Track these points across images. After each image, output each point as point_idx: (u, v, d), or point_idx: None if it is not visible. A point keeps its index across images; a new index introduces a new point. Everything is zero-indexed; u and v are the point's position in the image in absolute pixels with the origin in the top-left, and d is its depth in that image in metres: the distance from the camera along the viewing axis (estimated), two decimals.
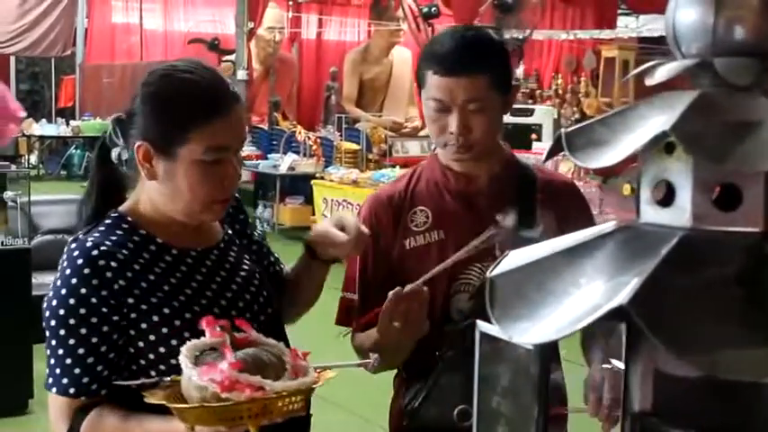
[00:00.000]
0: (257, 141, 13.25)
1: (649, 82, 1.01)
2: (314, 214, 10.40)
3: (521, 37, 14.35)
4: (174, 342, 1.76)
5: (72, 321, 1.75)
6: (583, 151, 0.91)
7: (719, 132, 0.88)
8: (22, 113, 6.32)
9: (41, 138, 17.32)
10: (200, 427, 1.59)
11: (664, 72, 0.96)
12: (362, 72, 16.00)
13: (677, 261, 0.87)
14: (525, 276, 0.94)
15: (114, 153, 1.89)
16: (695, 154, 0.86)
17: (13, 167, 7.29)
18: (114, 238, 1.82)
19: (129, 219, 1.86)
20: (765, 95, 0.92)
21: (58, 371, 1.77)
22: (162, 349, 1.79)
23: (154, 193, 1.86)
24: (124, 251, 1.80)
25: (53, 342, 1.78)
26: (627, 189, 7.50)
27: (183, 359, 1.60)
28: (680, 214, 0.93)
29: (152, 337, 1.79)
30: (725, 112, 0.91)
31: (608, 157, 0.88)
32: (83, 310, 1.75)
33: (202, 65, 1.90)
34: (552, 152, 0.98)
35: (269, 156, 12.23)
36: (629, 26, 14.01)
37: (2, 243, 5.58)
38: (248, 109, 14.55)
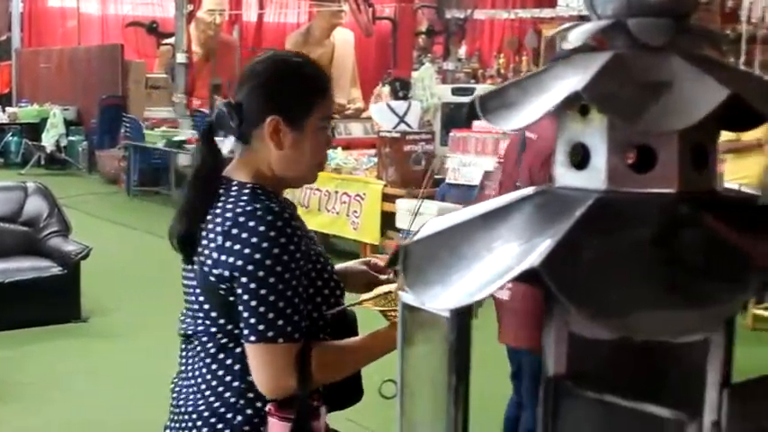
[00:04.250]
0: (197, 125, 13.10)
1: (565, 45, 1.00)
2: None
3: (462, 17, 14.38)
4: (318, 299, 2.08)
5: (287, 275, 1.95)
6: (495, 113, 0.89)
7: (632, 92, 0.87)
8: None
9: None
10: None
11: (577, 34, 0.95)
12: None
13: (591, 223, 0.86)
14: (440, 242, 0.92)
15: (223, 133, 2.12)
16: (607, 114, 0.85)
17: None
18: (269, 203, 2.04)
19: (262, 187, 2.07)
20: (679, 55, 0.91)
21: (280, 322, 1.96)
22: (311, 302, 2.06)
23: (276, 163, 2.09)
24: (288, 212, 2.05)
25: (270, 298, 1.95)
26: None
27: None
28: (595, 177, 0.92)
29: (311, 290, 2.05)
30: (638, 73, 0.90)
31: (519, 118, 0.87)
32: (292, 264, 1.96)
33: (291, 51, 2.33)
34: (469, 117, 0.97)
35: None
36: (570, 5, 14.09)
37: None
38: (189, 92, 14.39)
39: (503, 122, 0.88)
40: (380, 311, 2.15)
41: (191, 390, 2.13)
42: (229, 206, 2.02)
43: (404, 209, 7.54)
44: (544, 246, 0.82)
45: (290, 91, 2.10)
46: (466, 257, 0.86)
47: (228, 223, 2.00)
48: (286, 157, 2.08)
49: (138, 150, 13.34)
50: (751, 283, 0.77)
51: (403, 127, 8.71)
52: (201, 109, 13.97)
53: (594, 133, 0.92)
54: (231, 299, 2.01)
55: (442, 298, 0.83)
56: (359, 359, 2.14)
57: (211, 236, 2.03)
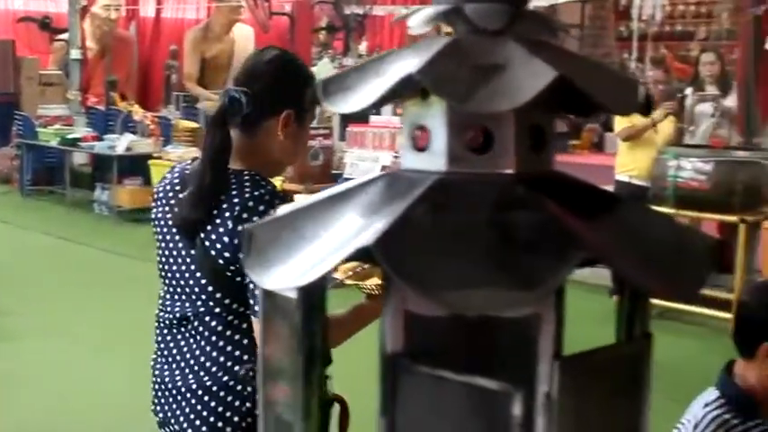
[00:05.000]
0: (93, 122, 12.86)
1: (410, 31, 1.02)
2: (153, 195, 10.18)
3: (361, 13, 14.42)
4: None
5: None
6: (334, 97, 0.91)
7: (466, 75, 0.89)
8: None
9: None
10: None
11: (417, 20, 0.97)
12: (204, 50, 15.70)
13: (429, 203, 0.88)
14: (284, 224, 0.93)
15: (235, 119, 2.29)
16: (439, 95, 0.87)
17: None
18: (272, 188, 2.26)
19: (260, 174, 2.29)
20: (515, 40, 0.94)
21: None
22: None
23: (278, 151, 2.35)
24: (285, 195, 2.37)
25: None
26: None
27: None
28: (436, 158, 0.94)
29: None
30: (474, 56, 0.92)
31: (355, 101, 0.88)
32: None
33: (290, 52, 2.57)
34: (313, 101, 0.98)
35: (105, 137, 11.89)
36: None
37: None
38: (84, 89, 14.10)
39: (340, 105, 0.89)
40: (356, 286, 2.34)
41: (190, 368, 2.27)
42: (235, 192, 2.22)
43: None
44: (379, 224, 0.83)
45: (301, 89, 2.24)
46: (305, 237, 0.87)
47: (238, 208, 2.19)
48: (287, 147, 2.35)
49: (31, 149, 13.02)
50: (573, 260, 0.80)
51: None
52: (97, 106, 13.71)
53: (434, 116, 0.94)
54: (238, 279, 2.15)
55: (279, 277, 0.84)
56: (345, 331, 2.32)
57: (219, 221, 2.20)
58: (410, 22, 0.97)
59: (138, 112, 11.84)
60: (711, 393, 2.57)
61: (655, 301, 4.29)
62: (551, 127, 0.99)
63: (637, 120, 7.43)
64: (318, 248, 0.84)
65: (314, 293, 0.93)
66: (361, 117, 7.85)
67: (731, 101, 8.18)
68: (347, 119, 9.14)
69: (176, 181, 2.42)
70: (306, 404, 0.98)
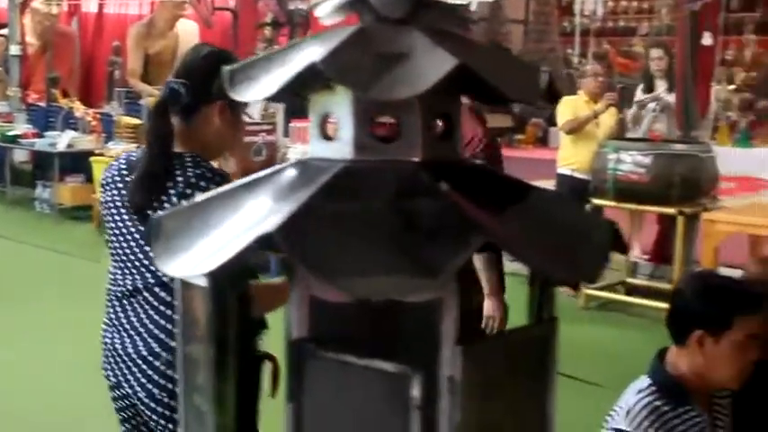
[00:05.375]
0: (34, 119, 12.66)
1: (321, 22, 1.02)
2: (95, 192, 10.05)
3: (305, 8, 14.37)
4: None
5: None
6: (239, 86, 0.91)
7: (369, 63, 0.90)
8: None
9: None
10: None
11: (324, 9, 0.97)
12: (147, 46, 15.50)
13: (333, 191, 0.89)
14: (192, 212, 0.94)
15: (176, 108, 2.49)
16: (342, 83, 0.88)
17: None
18: (212, 167, 2.50)
19: (200, 156, 2.50)
20: (419, 29, 0.95)
21: None
22: None
23: (215, 136, 2.56)
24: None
25: None
26: None
27: None
28: (342, 147, 0.95)
29: None
30: (378, 45, 0.93)
31: (258, 90, 0.89)
32: None
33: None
34: (219, 90, 0.98)
35: (46, 134, 11.71)
36: None
37: None
38: (24, 86, 13.88)
39: (244, 94, 0.90)
40: None
41: (140, 336, 2.47)
42: (178, 172, 2.43)
43: None
44: (282, 212, 0.84)
45: None
46: (210, 225, 0.88)
47: (181, 186, 2.39)
48: (224, 132, 2.57)
49: None
50: (473, 246, 0.81)
51: (244, 118, 8.63)
52: (38, 103, 13.50)
53: (341, 105, 0.95)
54: None
55: (181, 264, 0.84)
56: (280, 297, 2.53)
57: (165, 199, 2.39)
58: (318, 11, 0.97)
59: (79, 109, 11.66)
60: (644, 381, 2.60)
61: (599, 293, 4.32)
62: (459, 116, 1.00)
63: (579, 112, 7.50)
64: (221, 236, 0.85)
65: (225, 282, 0.94)
66: (304, 112, 7.80)
67: (670, 96, 8.32)
68: (291, 114, 9.12)
69: (123, 166, 2.62)
70: (218, 393, 0.98)
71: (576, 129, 7.53)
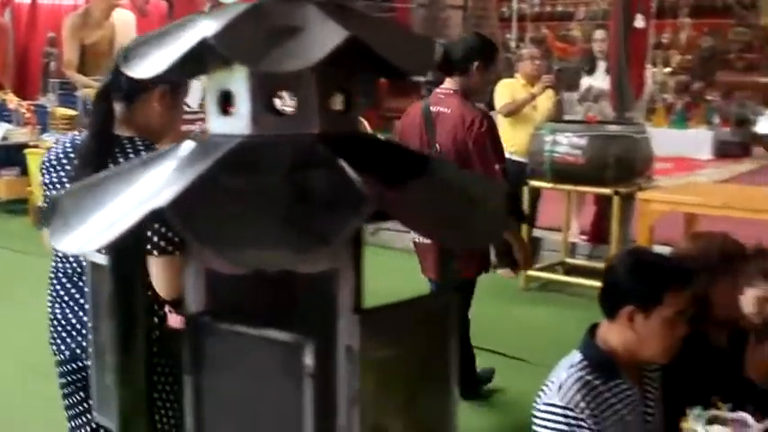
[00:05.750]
0: None
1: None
2: (30, 185, 9.89)
3: None
4: None
5: None
6: (132, 63, 0.91)
7: (261, 38, 0.90)
8: None
9: None
10: None
11: None
12: (83, 37, 15.24)
13: (228, 165, 0.89)
14: (89, 190, 0.93)
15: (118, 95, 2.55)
16: (232, 58, 0.88)
17: None
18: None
19: (145, 139, 2.58)
20: (314, 4, 0.95)
21: (176, 239, 2.28)
22: None
23: (157, 120, 2.65)
24: None
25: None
26: None
27: None
28: (240, 122, 0.95)
29: None
30: (273, 20, 0.93)
31: (149, 66, 0.89)
32: None
33: None
34: (116, 70, 0.97)
35: None
36: None
37: None
38: None
39: (136, 71, 0.90)
40: None
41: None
42: (119, 153, 2.50)
43: None
44: (174, 187, 0.84)
45: None
46: (104, 202, 0.88)
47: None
48: (164, 116, 2.67)
49: None
50: (362, 215, 0.82)
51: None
52: None
53: (238, 81, 0.95)
54: None
55: (73, 240, 0.84)
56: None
57: None
58: None
59: (12, 101, 11.46)
60: (575, 356, 2.64)
61: (538, 273, 4.36)
62: (357, 89, 1.01)
63: (517, 95, 7.56)
64: (115, 211, 0.85)
65: (124, 257, 0.94)
66: None
67: (601, 79, 8.46)
68: None
69: (69, 148, 2.68)
70: (122, 368, 0.98)
71: (514, 111, 7.59)
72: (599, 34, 8.82)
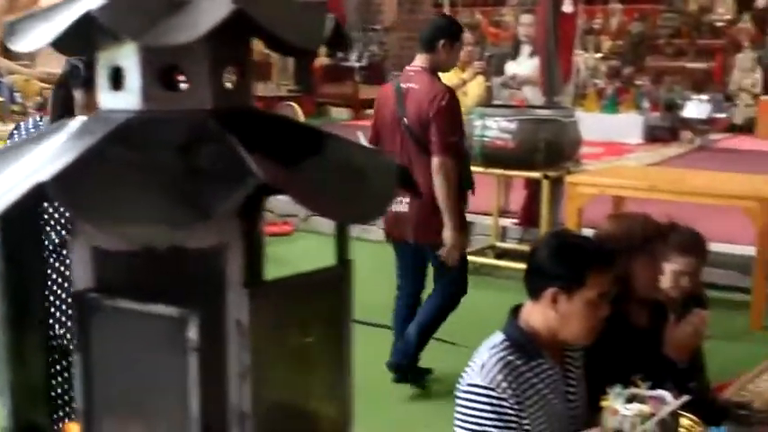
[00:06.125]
0: None
1: None
2: None
3: None
4: None
5: None
6: (13, 37, 0.90)
7: (147, 11, 0.89)
8: None
9: None
10: None
11: None
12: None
13: (117, 141, 0.89)
14: None
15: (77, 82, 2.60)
16: (115, 30, 0.87)
17: None
18: None
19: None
20: None
21: None
22: None
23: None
24: None
25: None
26: None
27: None
28: (130, 97, 0.95)
29: None
30: None
31: (33, 39, 0.88)
32: None
33: None
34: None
35: None
36: None
37: None
38: None
39: (19, 44, 0.89)
40: None
41: (71, 284, 2.70)
42: None
43: None
44: (59, 162, 0.83)
45: None
46: None
47: None
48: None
49: None
50: (247, 188, 0.82)
51: None
52: None
53: (128, 56, 0.94)
54: None
55: None
56: None
57: None
58: None
59: None
60: (497, 337, 2.67)
61: (469, 257, 4.34)
62: (249, 63, 1.01)
63: (448, 81, 7.58)
64: (0, 186, 0.84)
65: (16, 236, 0.93)
66: None
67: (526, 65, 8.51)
68: None
69: (32, 130, 2.77)
70: (14, 350, 0.97)
71: None
72: (525, 18, 8.84)
